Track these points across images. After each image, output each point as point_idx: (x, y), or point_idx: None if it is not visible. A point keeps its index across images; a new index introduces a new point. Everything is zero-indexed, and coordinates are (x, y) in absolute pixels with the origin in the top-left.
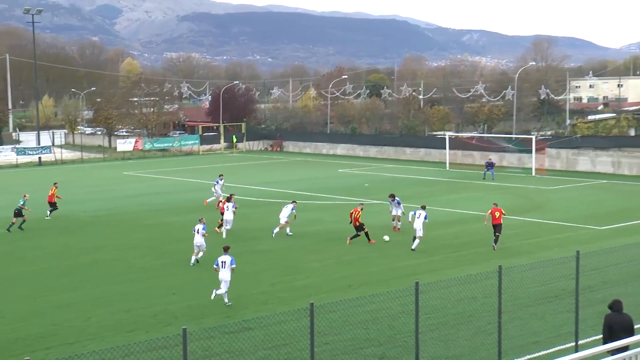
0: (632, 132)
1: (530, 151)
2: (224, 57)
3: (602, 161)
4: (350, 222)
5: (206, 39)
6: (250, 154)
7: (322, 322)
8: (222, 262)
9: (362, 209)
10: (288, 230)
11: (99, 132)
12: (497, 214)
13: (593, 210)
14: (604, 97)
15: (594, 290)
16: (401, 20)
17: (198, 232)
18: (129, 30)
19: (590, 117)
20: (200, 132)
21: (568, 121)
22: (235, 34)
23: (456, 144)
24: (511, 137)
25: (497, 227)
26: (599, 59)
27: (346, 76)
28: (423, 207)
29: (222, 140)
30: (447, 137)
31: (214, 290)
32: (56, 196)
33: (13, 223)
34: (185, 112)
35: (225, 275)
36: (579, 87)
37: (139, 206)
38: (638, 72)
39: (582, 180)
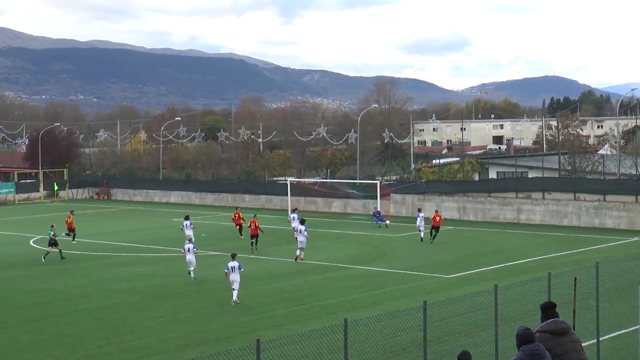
0: (477, 177)
1: (375, 197)
2: (43, 97)
3: (448, 207)
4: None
5: (22, 76)
6: (73, 203)
7: None
8: (232, 267)
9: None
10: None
11: None
12: (438, 219)
13: (439, 257)
14: (447, 140)
15: (442, 342)
16: (237, 59)
17: (189, 251)
18: None
19: (434, 162)
20: (15, 180)
21: (413, 165)
22: (56, 71)
23: (298, 190)
24: (355, 183)
25: (435, 228)
26: (441, 101)
27: (179, 118)
28: (419, 210)
29: (41, 188)
30: (288, 183)
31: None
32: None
33: (48, 252)
34: None
35: (235, 277)
36: (423, 130)
37: None
38: (480, 116)
39: (427, 227)
